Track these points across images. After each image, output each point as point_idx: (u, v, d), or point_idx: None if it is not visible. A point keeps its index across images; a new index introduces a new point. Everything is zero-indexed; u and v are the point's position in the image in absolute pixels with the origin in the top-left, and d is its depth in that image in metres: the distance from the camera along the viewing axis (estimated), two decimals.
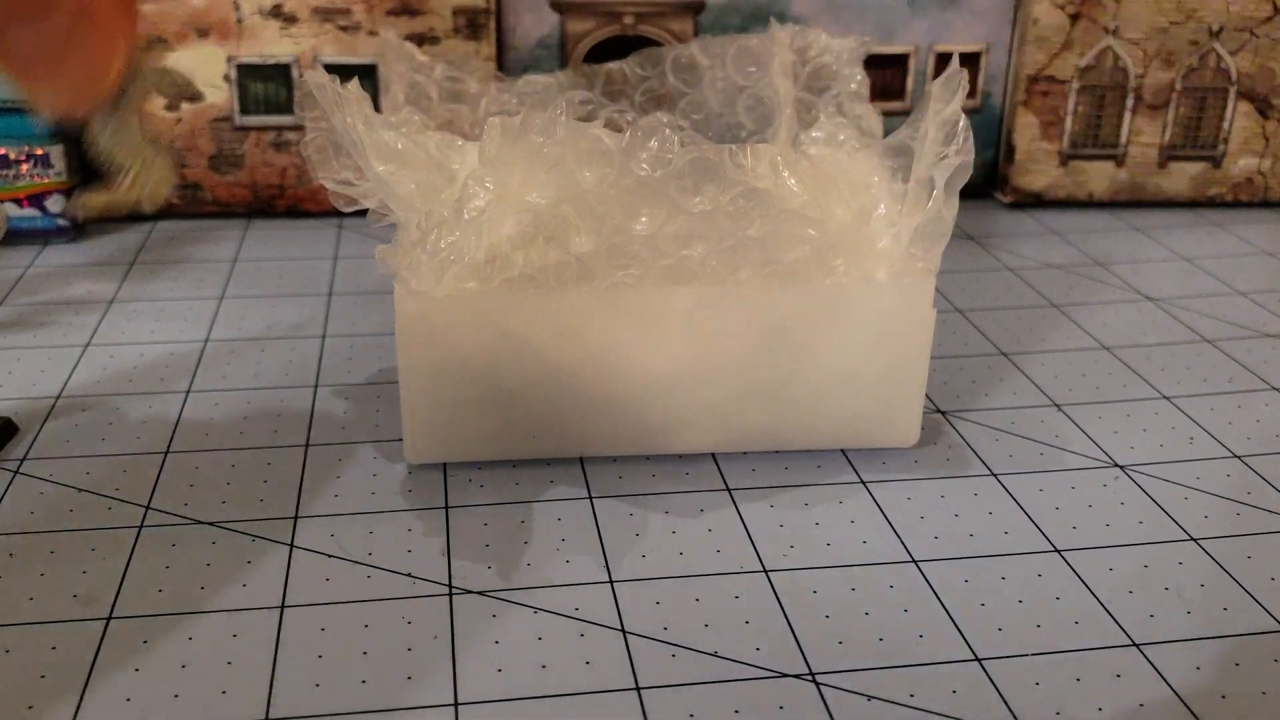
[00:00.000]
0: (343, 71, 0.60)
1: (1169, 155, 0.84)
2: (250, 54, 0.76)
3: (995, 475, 0.52)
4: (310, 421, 0.55)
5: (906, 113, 0.79)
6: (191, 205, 0.79)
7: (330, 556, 0.45)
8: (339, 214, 0.60)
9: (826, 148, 0.53)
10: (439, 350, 0.48)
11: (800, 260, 0.48)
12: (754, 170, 0.48)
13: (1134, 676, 0.40)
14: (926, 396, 0.58)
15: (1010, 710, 0.38)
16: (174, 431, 0.54)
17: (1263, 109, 0.83)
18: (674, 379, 0.50)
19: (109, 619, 0.42)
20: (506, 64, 0.78)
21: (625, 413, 0.50)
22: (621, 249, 0.47)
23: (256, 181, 0.79)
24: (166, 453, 0.52)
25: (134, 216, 0.79)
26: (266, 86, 0.77)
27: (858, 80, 0.62)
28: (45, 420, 0.54)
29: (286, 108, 0.77)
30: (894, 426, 0.52)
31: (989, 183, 0.86)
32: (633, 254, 0.47)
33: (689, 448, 0.52)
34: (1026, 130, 0.83)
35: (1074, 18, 0.80)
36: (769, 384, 0.51)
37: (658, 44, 0.75)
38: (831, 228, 0.48)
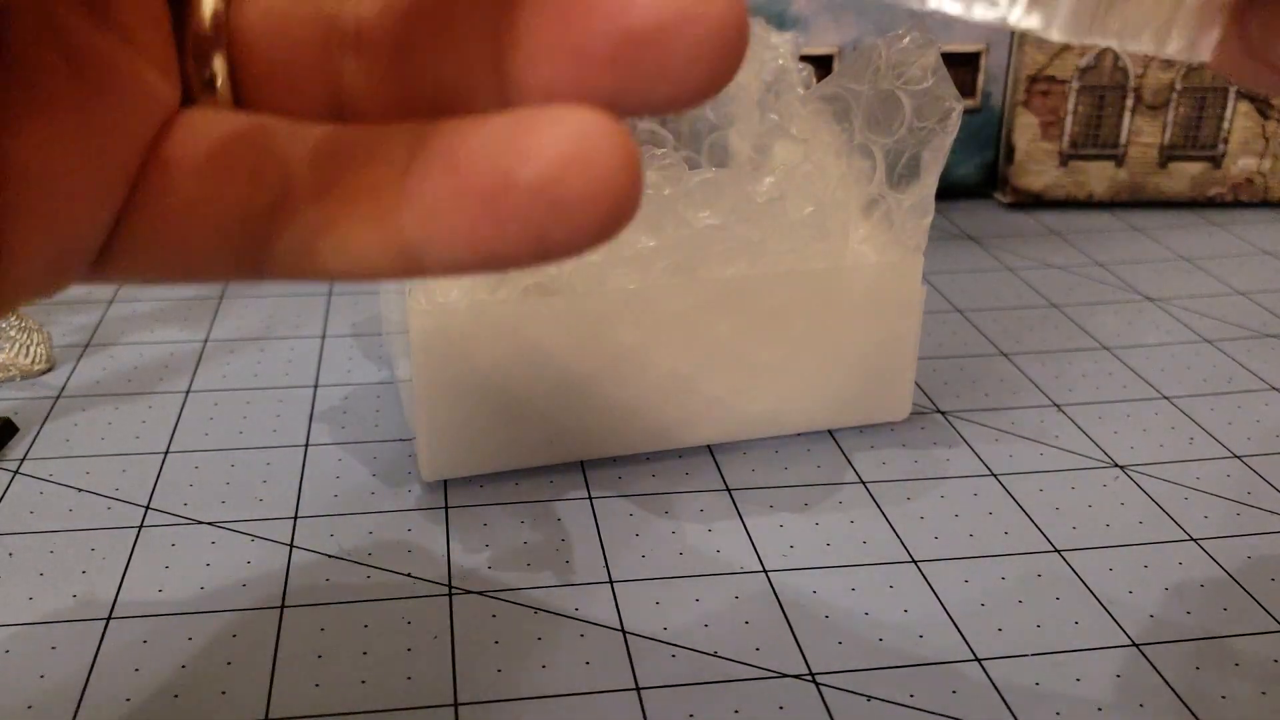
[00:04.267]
0: None
1: (1169, 155, 0.84)
2: None
3: (995, 475, 0.52)
4: (310, 421, 0.55)
5: None
6: None
7: (330, 556, 0.45)
8: None
9: (795, 134, 0.54)
10: (455, 364, 0.47)
11: (795, 245, 0.49)
12: (759, 189, 0.48)
13: (1134, 676, 0.40)
14: (927, 397, 0.58)
15: (1010, 710, 0.38)
16: (174, 431, 0.54)
17: (1263, 109, 0.83)
18: (681, 376, 0.50)
19: (109, 619, 0.42)
20: None
21: (637, 413, 0.51)
22: (627, 259, 0.47)
23: None
24: (166, 453, 0.52)
25: None
26: None
27: (803, 74, 0.62)
28: (45, 420, 0.54)
29: None
30: (888, 402, 0.55)
31: (989, 183, 0.86)
32: (637, 261, 0.47)
33: (695, 441, 0.52)
34: (1026, 130, 0.83)
35: None
36: (769, 371, 0.51)
37: None
38: (824, 213, 0.49)
